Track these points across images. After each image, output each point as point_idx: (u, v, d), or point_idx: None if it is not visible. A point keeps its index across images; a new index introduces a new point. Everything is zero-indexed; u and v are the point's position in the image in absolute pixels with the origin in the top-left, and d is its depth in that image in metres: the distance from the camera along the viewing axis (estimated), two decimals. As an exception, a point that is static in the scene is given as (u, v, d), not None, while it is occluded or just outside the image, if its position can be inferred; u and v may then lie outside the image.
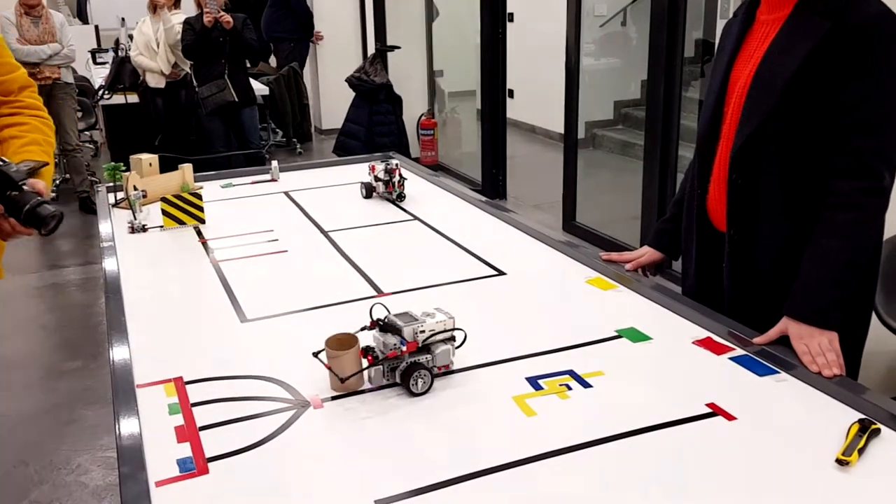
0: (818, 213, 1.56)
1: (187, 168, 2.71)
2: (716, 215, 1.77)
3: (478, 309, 1.80)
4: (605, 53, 6.80)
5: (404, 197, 2.66)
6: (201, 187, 2.73)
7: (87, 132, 7.02)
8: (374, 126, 6.45)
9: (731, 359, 1.55)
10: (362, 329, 1.49)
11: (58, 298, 4.56)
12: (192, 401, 1.43)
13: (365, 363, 1.44)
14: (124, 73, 6.42)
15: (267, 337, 1.70)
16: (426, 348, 1.45)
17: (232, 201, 2.77)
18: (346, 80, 6.55)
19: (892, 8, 1.52)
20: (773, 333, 1.56)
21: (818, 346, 1.49)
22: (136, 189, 2.49)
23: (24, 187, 1.55)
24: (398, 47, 6.99)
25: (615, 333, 1.66)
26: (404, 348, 1.43)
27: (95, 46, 8.93)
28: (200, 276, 2.06)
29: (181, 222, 2.45)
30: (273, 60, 8.45)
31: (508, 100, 6.05)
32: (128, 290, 1.92)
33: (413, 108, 6.97)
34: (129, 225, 2.41)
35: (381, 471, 1.22)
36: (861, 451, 1.22)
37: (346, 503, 1.16)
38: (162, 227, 2.43)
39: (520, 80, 6.91)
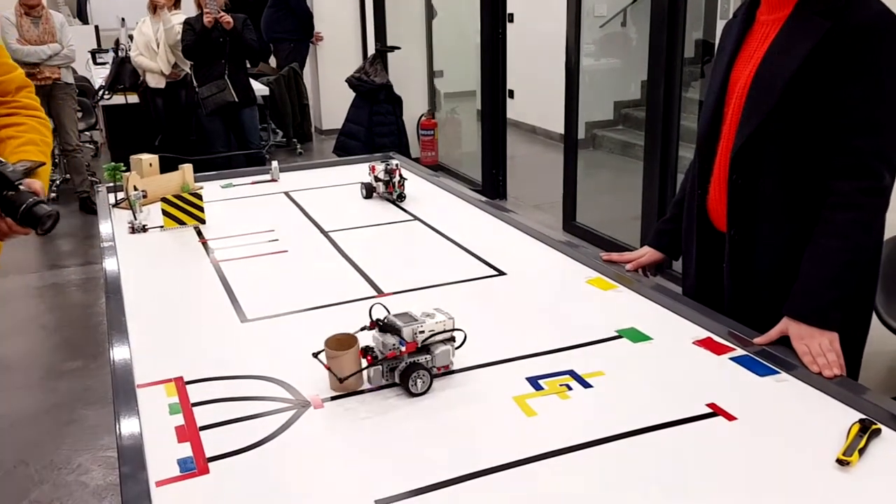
0: (818, 213, 1.56)
1: (187, 168, 2.71)
2: (716, 215, 1.77)
3: (478, 309, 1.80)
4: (605, 54, 6.80)
5: (404, 197, 2.66)
6: (201, 187, 2.73)
7: (87, 132, 7.02)
8: (374, 126, 6.45)
9: (731, 359, 1.55)
10: (362, 329, 1.49)
11: (58, 298, 4.56)
12: (192, 401, 1.43)
13: (364, 363, 1.44)
14: (124, 74, 6.42)
15: (267, 337, 1.71)
16: (426, 349, 1.45)
17: (232, 201, 2.77)
18: (346, 81, 6.55)
19: (892, 8, 1.52)
20: (773, 334, 1.56)
21: (818, 346, 1.49)
22: (136, 189, 2.50)
23: (21, 187, 1.56)
24: (398, 48, 6.99)
25: (615, 333, 1.66)
26: (403, 348, 1.43)
27: (95, 46, 8.93)
28: (200, 276, 2.06)
29: (181, 222, 2.45)
30: (273, 61, 8.45)
31: (508, 100, 6.04)
32: (128, 290, 1.92)
33: (413, 108, 6.97)
34: (130, 225, 2.41)
35: (381, 471, 1.22)
36: (861, 452, 1.22)
37: (346, 503, 1.16)
38: (162, 227, 2.43)
39: (520, 80, 6.91)
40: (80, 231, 5.62)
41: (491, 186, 6.03)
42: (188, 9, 5.92)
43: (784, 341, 1.54)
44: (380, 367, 1.44)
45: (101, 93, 6.74)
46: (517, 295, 1.91)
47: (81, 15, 10.65)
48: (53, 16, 5.77)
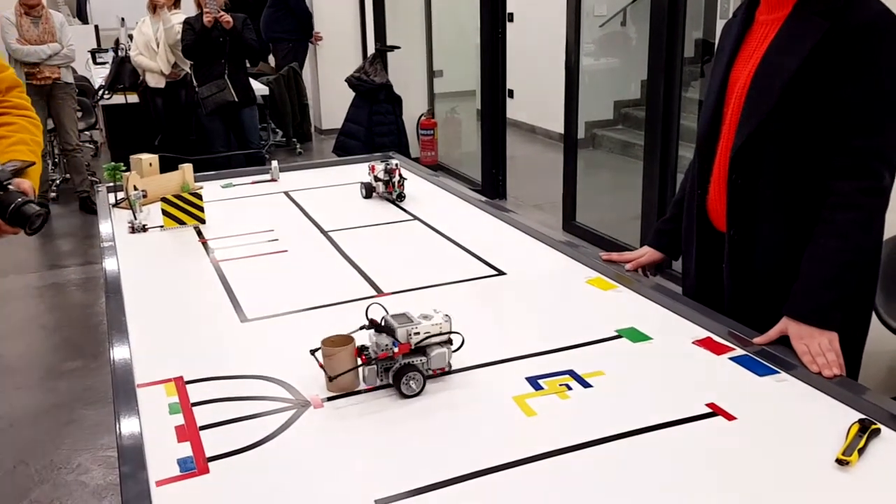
0: (818, 213, 1.56)
1: (187, 168, 2.71)
2: (716, 215, 1.77)
3: (478, 309, 1.80)
4: (605, 53, 6.80)
5: (404, 197, 2.66)
6: (201, 187, 2.73)
7: (87, 132, 7.02)
8: (374, 126, 6.45)
9: (731, 359, 1.55)
10: (361, 328, 1.49)
11: (58, 298, 4.56)
12: (192, 400, 1.43)
13: (359, 363, 1.44)
14: (124, 73, 6.43)
15: (267, 337, 1.71)
16: (422, 350, 1.45)
17: (232, 201, 2.77)
18: (345, 80, 6.55)
19: (891, 8, 1.52)
20: (773, 333, 1.56)
21: (818, 346, 1.49)
22: (136, 189, 2.50)
23: (10, 187, 1.56)
24: (398, 47, 6.99)
25: (615, 333, 1.66)
26: (396, 349, 1.43)
27: (95, 46, 8.93)
28: (200, 276, 2.06)
29: (181, 222, 2.45)
30: (272, 60, 8.45)
31: (508, 100, 6.05)
32: (128, 290, 1.92)
33: (413, 108, 6.97)
34: (130, 225, 2.41)
35: (381, 471, 1.22)
36: (861, 451, 1.22)
37: (345, 503, 1.16)
38: (162, 226, 2.43)
39: (520, 80, 6.91)
40: (80, 231, 5.62)
41: (491, 186, 6.03)
42: (188, 8, 5.92)
43: (784, 341, 1.54)
44: (374, 367, 1.43)
45: (100, 92, 6.75)
46: (517, 295, 1.91)
47: (81, 15, 10.66)
48: (53, 15, 5.77)
